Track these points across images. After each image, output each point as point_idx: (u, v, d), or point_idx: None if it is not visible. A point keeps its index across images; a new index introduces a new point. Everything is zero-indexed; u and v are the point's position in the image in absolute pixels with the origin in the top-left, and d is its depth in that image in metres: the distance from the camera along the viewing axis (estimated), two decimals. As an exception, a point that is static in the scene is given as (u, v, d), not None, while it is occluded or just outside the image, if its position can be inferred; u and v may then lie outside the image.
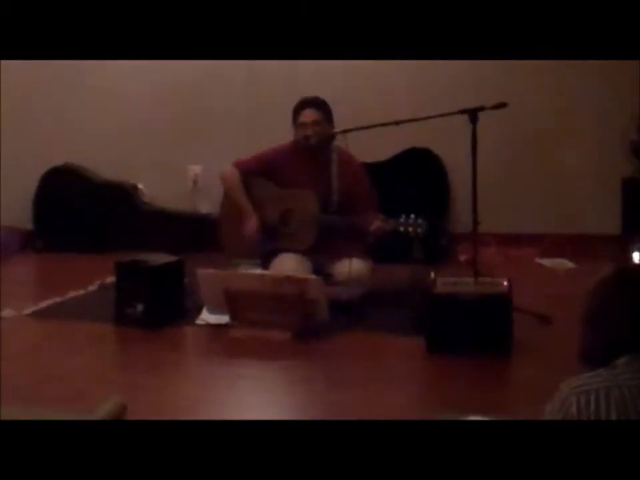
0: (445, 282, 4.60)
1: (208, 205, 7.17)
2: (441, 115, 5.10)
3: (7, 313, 5.25)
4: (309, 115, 5.39)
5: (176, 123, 7.57)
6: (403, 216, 4.99)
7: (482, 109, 4.84)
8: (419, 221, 4.96)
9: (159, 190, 7.56)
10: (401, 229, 4.99)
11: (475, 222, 4.84)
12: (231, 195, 5.59)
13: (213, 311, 5.00)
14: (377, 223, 5.08)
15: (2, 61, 7.23)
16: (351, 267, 5.11)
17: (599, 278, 2.20)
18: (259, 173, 5.53)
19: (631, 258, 6.08)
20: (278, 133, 5.67)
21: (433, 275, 4.66)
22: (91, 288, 5.92)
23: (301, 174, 5.46)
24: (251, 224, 5.43)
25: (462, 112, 4.86)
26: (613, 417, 2.02)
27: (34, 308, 5.41)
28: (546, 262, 6.67)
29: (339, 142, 5.43)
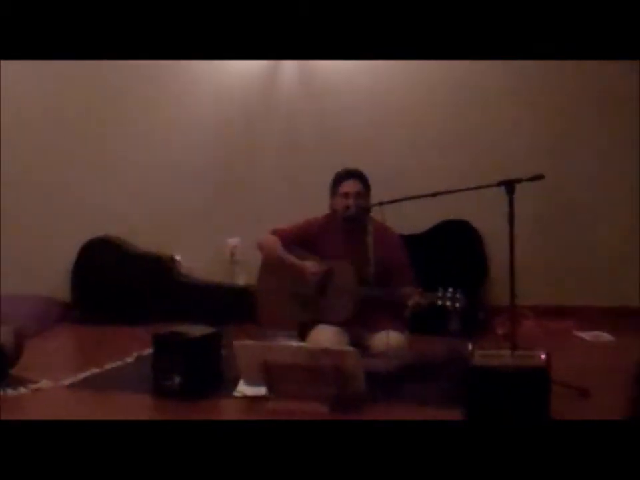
0: (482, 354, 4.58)
1: (245, 277, 7.20)
2: (478, 187, 5.10)
3: (45, 383, 5.26)
4: (352, 186, 5.43)
5: (214, 195, 7.65)
6: (441, 290, 4.97)
7: (519, 180, 4.84)
8: (457, 295, 4.93)
9: (196, 262, 7.61)
10: (439, 302, 4.96)
11: (513, 295, 4.82)
12: (274, 257, 5.60)
13: (250, 382, 4.99)
14: (415, 298, 5.07)
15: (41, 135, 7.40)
16: (389, 339, 5.10)
17: None
18: (297, 242, 5.56)
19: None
20: (314, 206, 5.69)
21: (470, 347, 4.64)
22: (129, 359, 5.94)
23: (338, 245, 5.48)
24: (308, 265, 5.45)
25: (499, 184, 4.87)
26: None
27: (72, 379, 5.42)
28: (584, 334, 6.63)
29: (375, 214, 5.44)
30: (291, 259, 5.52)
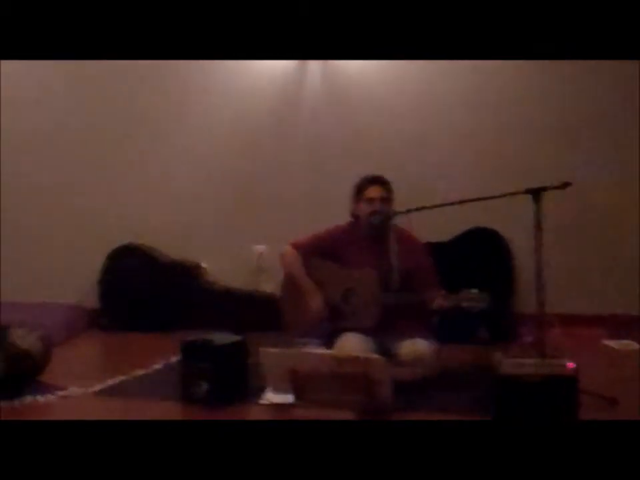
0: (510, 363, 4.56)
1: (272, 284, 7.20)
2: (505, 195, 5.09)
3: (73, 391, 5.28)
4: (377, 191, 5.44)
5: (240, 203, 7.66)
6: (465, 291, 4.96)
7: (545, 188, 4.83)
8: (482, 295, 4.91)
9: (223, 269, 7.62)
10: (464, 304, 4.94)
11: (541, 303, 4.80)
12: (291, 275, 5.61)
13: (276, 390, 4.99)
14: (439, 300, 5.06)
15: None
16: (416, 347, 5.09)
17: None
18: (318, 253, 5.56)
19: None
20: (340, 213, 5.69)
21: (498, 355, 4.62)
22: (157, 366, 5.96)
23: (361, 253, 5.48)
24: (317, 302, 5.44)
25: (526, 192, 4.86)
26: None
27: (100, 386, 5.43)
28: (612, 343, 6.59)
29: (401, 221, 5.43)
30: (306, 284, 5.53)
